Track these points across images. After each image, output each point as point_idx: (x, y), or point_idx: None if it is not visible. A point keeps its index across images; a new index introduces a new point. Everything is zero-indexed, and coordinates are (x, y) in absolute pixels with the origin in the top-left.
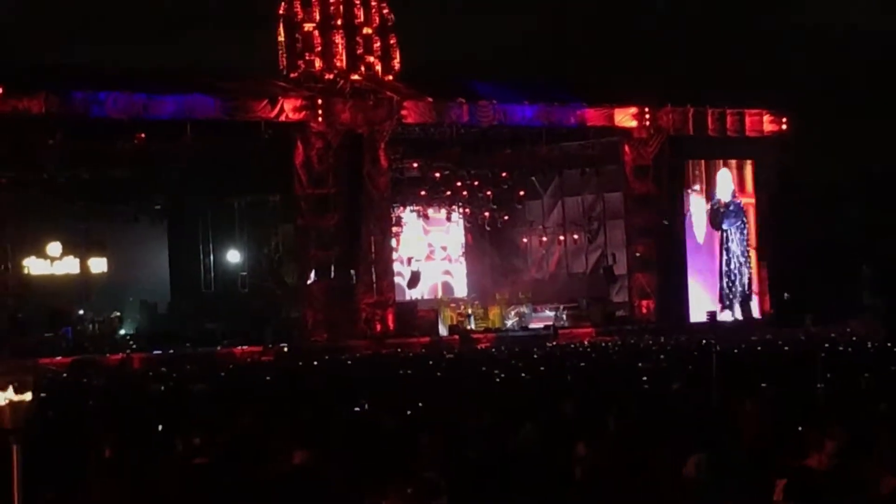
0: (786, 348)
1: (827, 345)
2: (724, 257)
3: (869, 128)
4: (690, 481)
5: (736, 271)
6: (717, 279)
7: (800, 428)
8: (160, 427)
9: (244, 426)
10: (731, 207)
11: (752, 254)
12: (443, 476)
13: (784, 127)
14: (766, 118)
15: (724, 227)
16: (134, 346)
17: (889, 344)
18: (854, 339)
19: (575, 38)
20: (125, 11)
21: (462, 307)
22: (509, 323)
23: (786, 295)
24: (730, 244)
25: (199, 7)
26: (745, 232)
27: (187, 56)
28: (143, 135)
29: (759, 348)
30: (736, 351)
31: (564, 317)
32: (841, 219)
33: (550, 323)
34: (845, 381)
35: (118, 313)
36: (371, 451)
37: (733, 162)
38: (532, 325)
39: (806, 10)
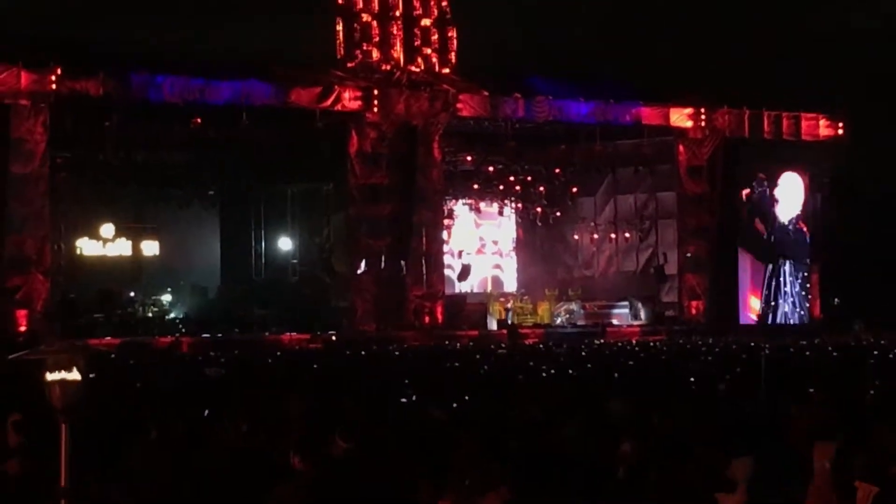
0: (835, 354)
1: (876, 352)
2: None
3: None
4: (734, 484)
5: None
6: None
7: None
8: (206, 412)
9: (292, 413)
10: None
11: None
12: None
13: (840, 132)
14: (823, 122)
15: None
16: (183, 330)
17: None
18: None
19: (633, 37)
20: None
21: (510, 301)
22: (559, 320)
23: (836, 300)
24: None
25: None
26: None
27: (245, 42)
28: (198, 119)
29: (807, 353)
30: (784, 355)
31: (640, 313)
32: (892, 226)
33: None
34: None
35: (169, 297)
36: (418, 443)
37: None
38: (580, 322)
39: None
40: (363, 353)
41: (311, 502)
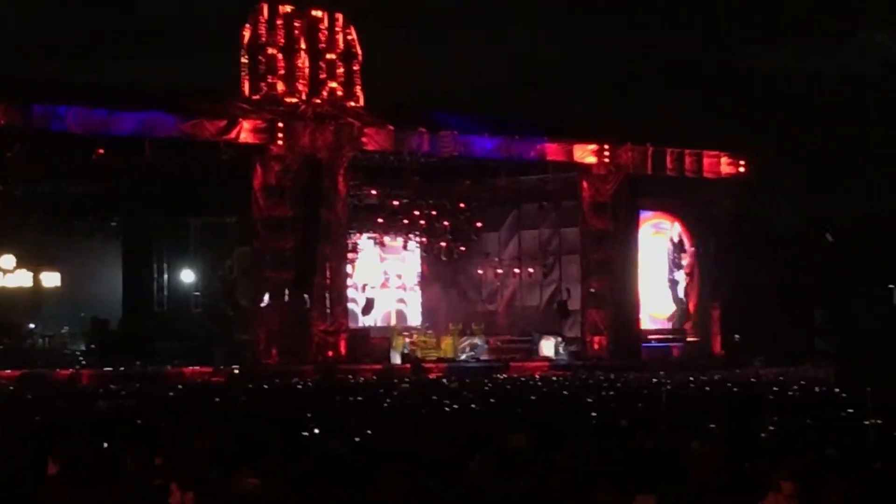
0: (735, 389)
1: (776, 388)
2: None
3: (825, 174)
4: None
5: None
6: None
7: (748, 468)
8: (106, 445)
9: (201, 448)
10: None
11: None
12: None
13: (742, 169)
14: (724, 160)
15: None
16: (84, 362)
17: (837, 389)
18: (802, 382)
19: (537, 74)
20: (87, 26)
21: (414, 336)
22: (463, 355)
23: (736, 336)
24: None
25: (162, 25)
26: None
27: (149, 74)
28: (101, 150)
29: (707, 388)
30: (685, 391)
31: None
32: (794, 263)
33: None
34: (793, 424)
35: (69, 328)
36: (323, 478)
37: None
38: (483, 357)
39: (767, 55)
40: (266, 386)
41: None
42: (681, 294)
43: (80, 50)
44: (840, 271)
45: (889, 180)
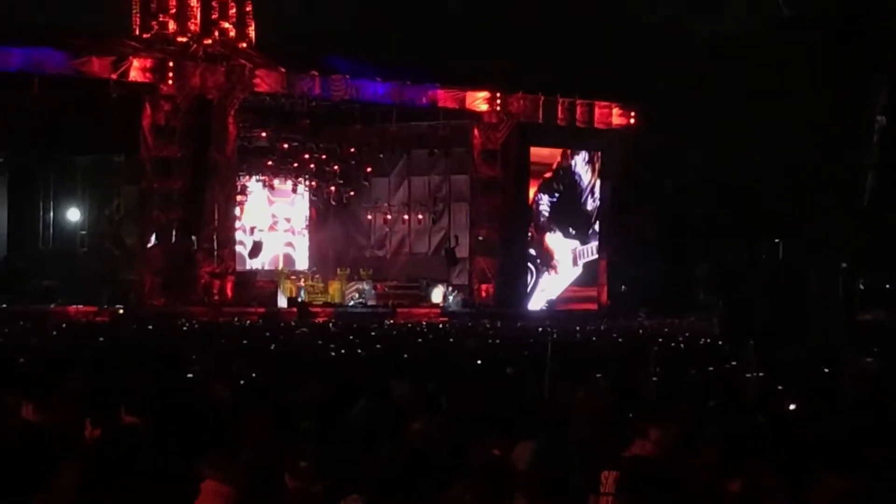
0: (620, 340)
1: (661, 339)
2: None
3: (713, 129)
4: (517, 470)
5: None
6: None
7: (629, 418)
8: None
9: (75, 389)
10: None
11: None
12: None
13: (632, 121)
14: (616, 111)
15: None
16: None
17: (720, 342)
18: (687, 334)
19: (432, 21)
20: None
21: (302, 280)
22: (350, 301)
23: (623, 287)
24: None
25: None
26: None
27: (38, 11)
28: None
29: (593, 339)
30: (571, 340)
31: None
32: (681, 217)
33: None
34: (677, 376)
35: None
36: (200, 420)
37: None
38: (370, 302)
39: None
40: (150, 327)
41: (96, 477)
42: None
43: None
44: (725, 226)
45: (774, 136)
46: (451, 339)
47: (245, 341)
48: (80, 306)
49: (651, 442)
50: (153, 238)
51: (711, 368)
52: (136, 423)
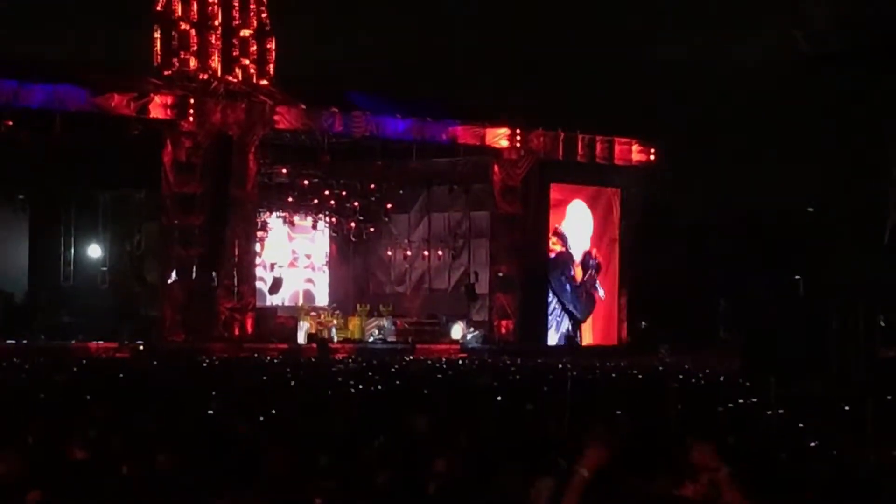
0: (640, 376)
1: (681, 375)
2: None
3: (733, 165)
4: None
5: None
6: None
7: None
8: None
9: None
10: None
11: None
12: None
13: (652, 157)
14: (636, 147)
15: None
16: None
17: (741, 379)
18: (707, 371)
19: (452, 57)
20: None
21: (322, 316)
22: (370, 337)
23: (643, 323)
24: None
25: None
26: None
27: (61, 47)
28: (10, 122)
29: (613, 375)
30: (591, 376)
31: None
32: (701, 253)
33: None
34: (697, 412)
35: None
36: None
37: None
38: (390, 339)
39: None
40: (170, 363)
41: None
42: None
43: None
44: (746, 261)
45: (795, 170)
46: (471, 376)
47: (265, 377)
48: (101, 342)
49: (703, 484)
50: (174, 274)
51: (731, 405)
52: (166, 461)
